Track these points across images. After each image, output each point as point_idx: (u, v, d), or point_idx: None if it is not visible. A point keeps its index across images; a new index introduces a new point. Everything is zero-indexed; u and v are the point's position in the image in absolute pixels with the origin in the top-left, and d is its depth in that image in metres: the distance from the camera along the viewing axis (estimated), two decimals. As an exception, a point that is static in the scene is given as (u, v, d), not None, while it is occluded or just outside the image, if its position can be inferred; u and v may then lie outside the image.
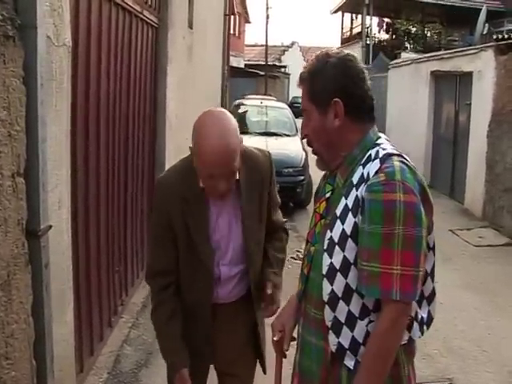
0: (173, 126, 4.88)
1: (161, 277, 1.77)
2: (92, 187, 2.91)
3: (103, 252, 3.22)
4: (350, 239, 1.35)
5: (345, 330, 1.38)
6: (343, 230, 1.37)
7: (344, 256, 1.36)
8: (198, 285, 1.77)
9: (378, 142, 1.44)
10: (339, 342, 1.39)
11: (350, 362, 1.38)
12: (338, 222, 1.39)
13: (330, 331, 1.40)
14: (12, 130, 1.58)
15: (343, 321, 1.38)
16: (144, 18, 3.90)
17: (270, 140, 8.30)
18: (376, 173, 1.34)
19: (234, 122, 1.63)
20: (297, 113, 10.35)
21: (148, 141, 4.33)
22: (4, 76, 1.49)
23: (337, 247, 1.37)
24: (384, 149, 1.40)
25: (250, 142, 8.08)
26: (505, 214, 6.80)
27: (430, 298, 1.47)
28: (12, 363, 1.71)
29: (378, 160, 1.36)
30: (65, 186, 2.21)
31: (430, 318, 1.47)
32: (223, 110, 1.68)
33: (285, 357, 1.65)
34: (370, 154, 1.40)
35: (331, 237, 1.39)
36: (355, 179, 1.39)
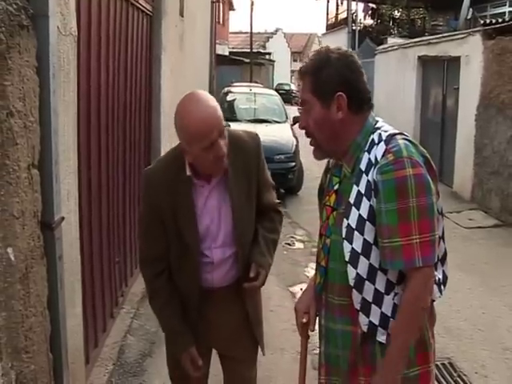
0: (167, 114, 4.84)
1: (153, 264, 1.82)
2: (94, 178, 2.89)
3: (105, 243, 3.21)
4: (367, 222, 1.41)
5: (373, 308, 1.43)
6: (360, 215, 1.41)
7: (364, 239, 1.41)
8: (185, 271, 1.80)
9: (378, 125, 1.49)
10: (370, 321, 1.44)
11: (382, 337, 1.44)
12: (353, 208, 1.43)
13: (360, 313, 1.44)
14: (27, 122, 1.56)
15: (371, 300, 1.43)
16: (139, 6, 3.85)
17: (260, 127, 8.27)
18: (383, 155, 1.40)
19: (213, 98, 1.68)
20: (283, 99, 10.35)
21: (144, 132, 4.30)
22: (19, 66, 1.47)
23: (356, 233, 1.42)
24: (385, 131, 1.46)
25: (240, 129, 8.02)
26: (493, 196, 6.92)
27: (443, 259, 1.54)
28: (31, 357, 1.71)
29: (382, 142, 1.42)
30: (73, 178, 2.19)
31: (445, 277, 1.54)
32: (201, 90, 1.73)
33: (309, 338, 1.70)
34: (373, 139, 1.45)
35: (348, 224, 1.43)
36: (363, 166, 1.44)
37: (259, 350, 2.04)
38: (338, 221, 1.47)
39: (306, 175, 8.13)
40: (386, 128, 1.48)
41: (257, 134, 1.91)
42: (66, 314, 2.05)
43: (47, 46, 1.64)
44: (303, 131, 1.54)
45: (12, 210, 1.52)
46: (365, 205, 1.41)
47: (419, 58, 9.88)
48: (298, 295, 4.19)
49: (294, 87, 31.10)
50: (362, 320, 1.45)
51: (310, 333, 1.68)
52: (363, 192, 1.41)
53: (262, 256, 1.83)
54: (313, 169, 8.43)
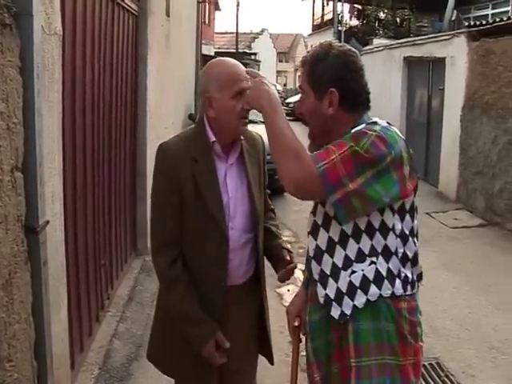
0: (152, 113, 4.81)
1: (170, 248, 1.70)
2: (79, 180, 2.84)
3: (90, 246, 3.16)
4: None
5: (330, 281, 1.45)
6: None
7: (325, 212, 1.45)
8: (209, 252, 1.70)
9: (372, 121, 1.49)
10: (326, 294, 1.46)
11: (336, 313, 1.44)
12: None
13: (318, 284, 1.47)
14: (10, 123, 1.52)
15: (328, 273, 1.45)
16: (125, 5, 3.82)
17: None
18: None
19: None
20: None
21: (130, 131, 4.26)
22: (2, 66, 1.43)
23: (319, 206, 1.48)
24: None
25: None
26: (478, 196, 7.00)
27: (414, 262, 1.50)
28: (14, 365, 1.67)
29: (364, 124, 1.44)
30: (58, 180, 2.15)
31: (413, 280, 1.49)
32: None
33: (300, 341, 1.68)
34: None
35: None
36: None
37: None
38: None
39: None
40: (378, 122, 1.47)
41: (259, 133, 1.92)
42: (51, 319, 2.00)
43: (31, 45, 1.59)
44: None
45: (-6, 214, 1.48)
46: None
47: (405, 58, 9.96)
48: (285, 297, 4.19)
49: (279, 88, 31.05)
50: (320, 292, 1.46)
51: (301, 336, 1.66)
52: None
53: (286, 244, 1.88)
54: (300, 169, 8.42)
